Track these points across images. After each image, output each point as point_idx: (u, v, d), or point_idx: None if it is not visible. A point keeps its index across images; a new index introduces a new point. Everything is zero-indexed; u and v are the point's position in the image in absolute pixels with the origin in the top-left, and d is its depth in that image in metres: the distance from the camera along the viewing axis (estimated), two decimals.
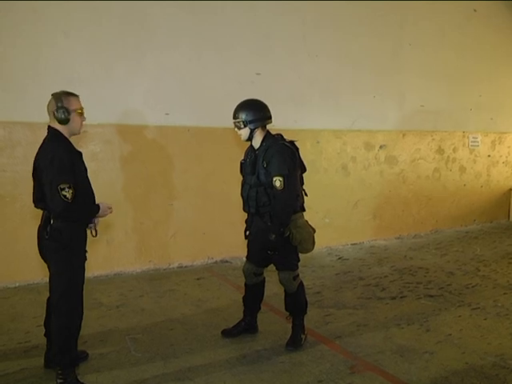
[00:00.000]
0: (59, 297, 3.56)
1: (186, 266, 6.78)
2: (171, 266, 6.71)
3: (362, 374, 3.84)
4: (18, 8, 5.61)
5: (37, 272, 5.65)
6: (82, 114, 3.64)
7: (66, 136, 3.59)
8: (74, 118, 3.56)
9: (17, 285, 5.83)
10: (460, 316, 5.03)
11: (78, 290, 3.65)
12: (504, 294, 5.72)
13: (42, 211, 3.64)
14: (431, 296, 5.62)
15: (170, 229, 6.67)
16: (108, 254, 6.23)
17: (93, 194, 3.74)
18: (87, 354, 4.06)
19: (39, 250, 3.65)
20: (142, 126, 6.36)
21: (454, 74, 9.20)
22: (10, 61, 5.65)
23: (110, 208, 3.82)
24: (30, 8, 5.66)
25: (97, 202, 3.74)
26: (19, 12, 5.63)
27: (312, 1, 7.42)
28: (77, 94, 3.67)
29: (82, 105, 3.67)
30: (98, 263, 6.02)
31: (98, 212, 3.71)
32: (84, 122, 3.71)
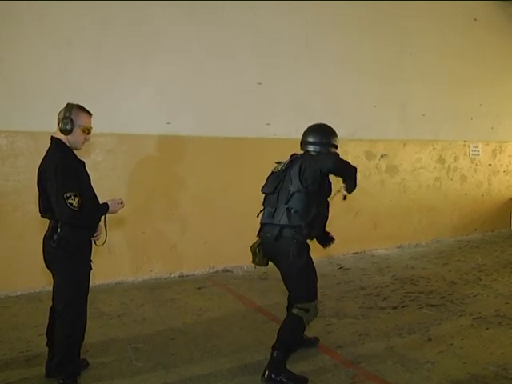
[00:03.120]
0: (64, 306, 3.58)
1: (187, 276, 6.77)
2: (172, 276, 6.71)
3: (363, 383, 3.84)
4: (22, 17, 5.64)
5: (38, 281, 5.65)
6: (87, 132, 3.65)
7: (69, 146, 3.61)
8: (76, 131, 3.58)
9: (18, 293, 5.83)
10: (462, 325, 5.02)
11: (83, 300, 3.67)
12: (506, 303, 5.71)
13: (45, 220, 3.66)
14: (433, 305, 5.61)
15: (172, 238, 6.67)
16: (109, 263, 6.22)
17: (97, 201, 3.76)
18: (87, 363, 4.05)
19: (44, 258, 3.66)
20: (144, 136, 6.37)
21: (455, 83, 9.21)
22: (13, 69, 5.68)
23: (121, 203, 3.83)
24: (34, 17, 5.69)
25: (105, 201, 3.77)
26: (23, 21, 5.65)
27: (314, 8, 7.45)
28: (91, 112, 3.69)
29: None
30: (99, 272, 5.96)
31: (107, 210, 3.73)
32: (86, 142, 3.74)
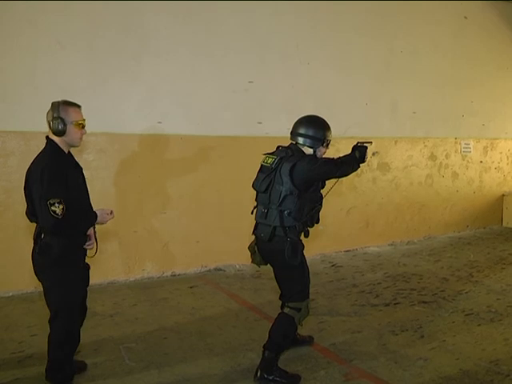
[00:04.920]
0: (54, 314, 3.50)
1: (179, 275, 6.76)
2: (164, 275, 6.70)
3: (356, 381, 3.86)
4: (14, 19, 5.62)
5: (30, 281, 5.59)
6: (81, 125, 3.49)
7: (63, 148, 3.47)
8: (70, 129, 3.42)
9: (10, 294, 5.80)
10: (454, 322, 5.04)
11: (73, 307, 3.56)
12: (497, 299, 5.74)
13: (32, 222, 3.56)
14: (425, 302, 5.64)
15: (164, 237, 6.66)
16: (101, 263, 6.20)
17: (90, 207, 3.65)
18: (85, 365, 3.99)
19: (32, 264, 3.54)
20: (135, 135, 6.36)
21: (446, 80, 9.23)
22: (4, 70, 5.65)
23: (111, 213, 3.68)
24: (26, 18, 5.66)
25: (94, 210, 3.63)
26: (15, 23, 5.63)
27: (305, 8, 7.45)
28: (79, 104, 3.56)
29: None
30: (91, 272, 5.98)
31: (95, 220, 3.59)
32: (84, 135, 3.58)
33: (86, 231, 3.65)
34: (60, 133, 3.40)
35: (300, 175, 3.72)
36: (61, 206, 3.24)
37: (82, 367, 3.94)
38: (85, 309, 3.90)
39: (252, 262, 4.09)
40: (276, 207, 3.78)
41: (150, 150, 6.47)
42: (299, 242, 3.86)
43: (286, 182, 3.74)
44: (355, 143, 4.08)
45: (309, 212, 3.84)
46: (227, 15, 6.88)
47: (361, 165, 4.12)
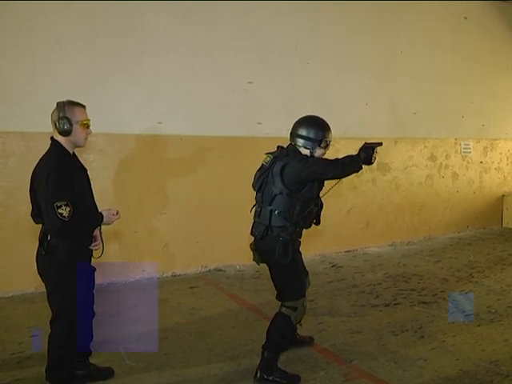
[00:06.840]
0: (55, 315, 3.49)
1: (179, 275, 6.76)
2: (165, 275, 6.69)
3: (356, 381, 3.86)
4: (14, 19, 5.62)
5: (30, 282, 5.60)
6: (86, 125, 3.50)
7: (68, 148, 3.47)
8: (76, 129, 3.42)
9: (10, 295, 5.80)
10: (454, 322, 5.04)
11: (74, 310, 3.53)
12: (497, 300, 5.73)
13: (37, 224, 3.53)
14: (425, 303, 5.63)
15: (164, 238, 6.66)
16: (101, 264, 6.19)
17: (95, 208, 3.64)
18: (113, 371, 3.96)
19: (37, 267, 3.52)
20: (135, 135, 6.36)
21: (446, 81, 9.23)
22: (4, 70, 5.64)
23: (116, 214, 3.67)
24: (25, 18, 5.66)
25: (100, 210, 3.63)
26: (15, 23, 5.63)
27: (305, 8, 7.45)
28: (83, 104, 3.55)
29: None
30: None
31: (101, 221, 3.59)
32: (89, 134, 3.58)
33: (92, 233, 3.66)
34: (66, 133, 3.39)
35: (290, 175, 3.74)
36: (67, 209, 3.23)
37: (108, 374, 3.93)
38: (92, 314, 3.92)
39: (253, 259, 4.10)
40: (267, 206, 3.82)
41: (149, 151, 6.47)
42: (291, 241, 3.85)
43: (277, 181, 3.76)
44: (362, 144, 4.03)
45: (301, 212, 3.83)
46: (227, 15, 6.88)
47: (368, 166, 4.04)
